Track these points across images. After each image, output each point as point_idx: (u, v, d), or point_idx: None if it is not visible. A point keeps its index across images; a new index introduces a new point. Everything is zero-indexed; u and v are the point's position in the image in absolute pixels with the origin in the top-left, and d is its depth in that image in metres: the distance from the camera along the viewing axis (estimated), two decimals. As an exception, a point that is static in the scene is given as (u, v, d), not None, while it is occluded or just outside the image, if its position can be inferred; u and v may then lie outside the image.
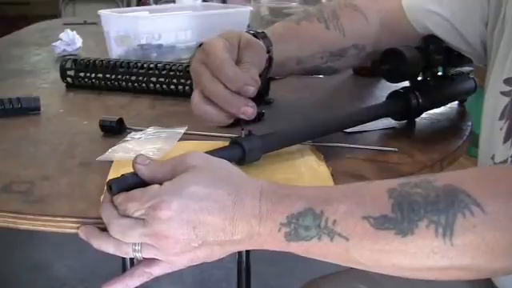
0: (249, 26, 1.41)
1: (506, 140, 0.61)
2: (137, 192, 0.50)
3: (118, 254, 0.52)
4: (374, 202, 0.47)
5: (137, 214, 0.50)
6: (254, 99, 0.67)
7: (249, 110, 0.65)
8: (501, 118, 0.63)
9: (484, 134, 0.70)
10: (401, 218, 0.45)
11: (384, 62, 0.81)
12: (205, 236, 0.49)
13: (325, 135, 0.72)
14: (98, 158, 0.67)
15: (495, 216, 0.44)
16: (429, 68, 0.82)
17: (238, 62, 0.67)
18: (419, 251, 0.45)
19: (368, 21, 0.82)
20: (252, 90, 0.64)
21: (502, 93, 0.64)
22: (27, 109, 0.87)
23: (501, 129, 0.63)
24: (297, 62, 0.79)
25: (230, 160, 0.59)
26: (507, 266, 0.45)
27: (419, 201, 0.46)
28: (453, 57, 0.83)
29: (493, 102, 0.66)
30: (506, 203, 0.44)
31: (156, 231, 0.49)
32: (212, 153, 0.59)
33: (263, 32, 0.74)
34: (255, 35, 0.73)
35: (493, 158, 0.65)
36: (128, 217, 0.50)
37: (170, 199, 0.48)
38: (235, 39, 0.68)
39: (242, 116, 0.65)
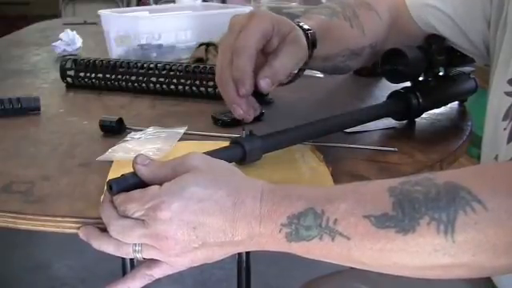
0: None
1: (509, 140, 0.61)
2: (137, 193, 0.50)
3: (118, 254, 0.52)
4: (374, 200, 0.47)
5: (137, 215, 0.49)
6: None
7: (238, 111, 0.65)
8: (505, 119, 0.63)
9: (487, 134, 0.69)
10: (402, 215, 0.45)
11: (386, 62, 0.81)
12: (205, 237, 0.49)
13: (325, 135, 0.72)
14: (98, 158, 0.67)
15: (497, 213, 0.44)
16: (430, 68, 0.82)
17: (274, 50, 0.66)
18: (421, 249, 0.45)
19: (381, 19, 0.83)
20: (242, 91, 0.64)
21: (506, 93, 0.64)
22: (27, 109, 0.87)
23: (505, 129, 0.62)
24: (323, 60, 0.78)
25: (230, 160, 0.59)
26: (509, 263, 0.45)
27: (420, 198, 0.45)
28: (455, 57, 0.83)
29: (497, 102, 0.66)
30: (507, 200, 0.44)
31: (156, 232, 0.49)
32: (212, 153, 0.59)
33: (314, 32, 0.72)
34: (304, 30, 0.72)
35: (496, 158, 0.65)
36: (128, 217, 0.50)
37: (170, 200, 0.48)
38: (286, 29, 0.66)
39: (231, 109, 0.65)
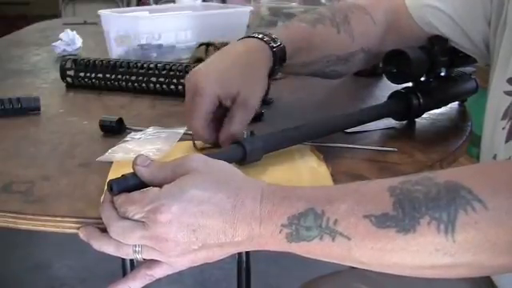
0: (248, 27, 1.41)
1: (508, 139, 0.61)
2: (137, 194, 0.50)
3: (118, 255, 0.52)
4: (374, 200, 0.47)
5: (137, 217, 0.50)
6: None
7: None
8: (503, 118, 0.63)
9: (486, 133, 0.70)
10: (402, 215, 0.45)
11: (388, 62, 0.81)
12: (205, 239, 0.49)
13: (325, 135, 0.72)
14: (98, 159, 0.67)
15: (497, 212, 0.44)
16: (433, 69, 0.82)
17: (228, 110, 0.69)
18: (421, 249, 0.45)
19: (375, 23, 0.82)
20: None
21: (506, 92, 0.64)
22: (27, 109, 0.87)
23: (503, 128, 0.63)
24: (300, 67, 0.79)
25: (230, 160, 0.59)
26: (509, 262, 0.45)
27: (420, 198, 0.45)
28: (457, 58, 0.83)
29: (496, 101, 0.66)
30: (507, 199, 0.44)
31: (156, 234, 0.49)
32: (213, 153, 0.59)
33: (282, 47, 0.73)
34: (273, 42, 0.73)
35: (494, 157, 0.65)
36: (128, 219, 0.50)
37: (169, 203, 0.48)
38: (233, 90, 0.69)
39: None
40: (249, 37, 0.75)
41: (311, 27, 0.79)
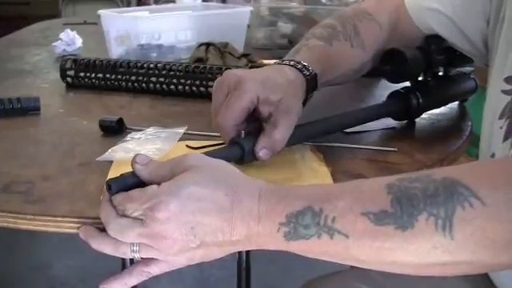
0: (249, 27, 1.41)
1: (505, 139, 0.61)
2: (135, 192, 0.51)
3: (116, 254, 0.52)
4: (372, 197, 0.47)
5: (135, 214, 0.50)
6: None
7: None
8: (501, 117, 0.63)
9: (484, 132, 0.70)
10: (400, 212, 0.45)
11: (385, 62, 0.81)
12: (203, 237, 0.49)
13: (325, 135, 0.72)
14: (98, 158, 0.67)
15: (495, 208, 0.44)
16: (430, 68, 0.82)
17: (268, 118, 0.65)
18: (420, 246, 0.45)
19: (382, 28, 0.82)
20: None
21: (503, 91, 0.64)
22: (27, 109, 0.87)
23: (501, 127, 0.63)
24: (321, 85, 0.76)
25: (229, 160, 0.59)
26: (508, 258, 0.45)
27: (418, 194, 0.45)
28: (454, 57, 0.83)
29: (494, 100, 0.66)
30: (504, 195, 0.44)
31: (154, 231, 0.49)
32: (211, 153, 0.59)
33: (314, 74, 0.71)
34: (306, 70, 0.71)
35: (493, 156, 0.65)
36: (127, 216, 0.50)
37: (168, 200, 0.48)
38: (275, 97, 0.65)
39: None
40: (279, 64, 0.72)
41: (329, 45, 0.78)
